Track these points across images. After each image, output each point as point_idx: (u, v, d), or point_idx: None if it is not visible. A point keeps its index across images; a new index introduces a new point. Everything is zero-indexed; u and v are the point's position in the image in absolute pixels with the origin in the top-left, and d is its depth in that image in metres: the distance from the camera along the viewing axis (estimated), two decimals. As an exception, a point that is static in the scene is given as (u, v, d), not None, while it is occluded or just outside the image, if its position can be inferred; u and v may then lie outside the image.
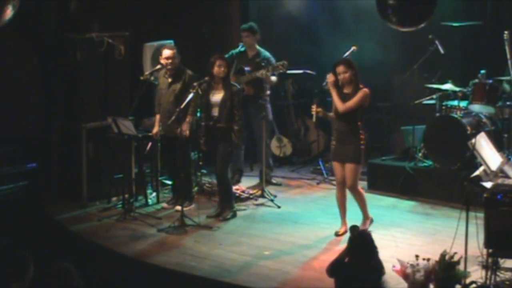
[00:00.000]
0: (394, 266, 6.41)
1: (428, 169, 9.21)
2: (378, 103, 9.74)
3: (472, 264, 6.62)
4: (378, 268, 5.55)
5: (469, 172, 7.45)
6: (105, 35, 9.07)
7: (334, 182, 9.70)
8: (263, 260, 7.31)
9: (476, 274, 6.45)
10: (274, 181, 9.86)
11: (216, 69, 8.33)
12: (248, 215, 8.67)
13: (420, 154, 9.36)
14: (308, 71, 10.68)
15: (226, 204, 8.55)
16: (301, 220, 8.47)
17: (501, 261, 6.39)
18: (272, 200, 9.03)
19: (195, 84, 8.37)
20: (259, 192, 9.21)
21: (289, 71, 10.42)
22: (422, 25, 7.89)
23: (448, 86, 9.13)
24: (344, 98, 7.70)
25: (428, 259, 6.31)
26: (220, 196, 8.64)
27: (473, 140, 6.83)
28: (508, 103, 8.81)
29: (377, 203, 8.22)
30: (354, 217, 7.89)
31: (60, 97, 9.19)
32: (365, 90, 7.67)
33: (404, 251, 7.24)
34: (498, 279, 6.34)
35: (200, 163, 9.34)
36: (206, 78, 8.49)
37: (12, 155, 8.79)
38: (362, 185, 8.39)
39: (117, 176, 8.96)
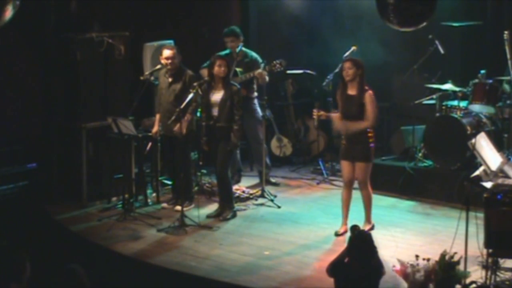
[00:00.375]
0: (394, 266, 6.42)
1: (428, 169, 9.21)
2: (378, 103, 9.71)
3: (472, 264, 6.62)
4: (378, 268, 5.56)
5: (469, 172, 7.45)
6: (105, 35, 9.07)
7: (334, 182, 9.81)
8: (263, 260, 7.31)
9: (476, 274, 6.45)
10: (272, 180, 9.86)
11: (216, 69, 8.34)
12: (248, 215, 8.67)
13: (420, 154, 9.37)
14: (308, 71, 10.70)
15: (226, 204, 8.55)
16: (301, 220, 8.47)
17: (501, 261, 6.40)
18: (272, 200, 9.04)
19: (195, 84, 8.38)
20: (259, 192, 9.21)
21: (289, 71, 10.45)
22: (422, 25, 7.89)
23: (448, 86, 9.14)
24: (349, 99, 7.72)
25: (428, 259, 6.31)
26: (220, 196, 8.64)
27: (473, 140, 6.83)
28: (508, 103, 8.81)
29: (377, 203, 8.21)
30: (355, 219, 7.89)
31: (60, 97, 9.19)
32: (370, 92, 7.72)
33: (404, 251, 7.24)
34: (498, 279, 6.35)
35: (200, 163, 9.34)
36: (206, 78, 8.50)
37: (12, 155, 8.79)
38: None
39: (117, 176, 8.97)
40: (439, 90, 9.23)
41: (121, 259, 7.48)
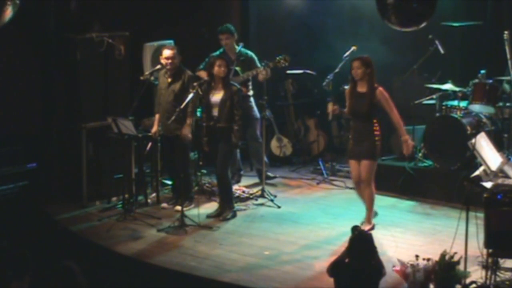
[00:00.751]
0: (394, 266, 6.42)
1: (428, 169, 9.21)
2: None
3: (472, 264, 6.62)
4: (378, 268, 5.56)
5: (469, 172, 7.45)
6: (105, 35, 9.07)
7: (334, 182, 9.81)
8: (263, 260, 7.31)
9: (476, 274, 6.45)
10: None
11: (216, 69, 8.33)
12: (248, 215, 8.67)
13: (420, 154, 9.37)
14: (308, 71, 10.69)
15: (226, 204, 8.55)
16: (301, 220, 8.47)
17: (501, 261, 6.40)
18: (272, 200, 9.03)
19: (195, 84, 8.38)
20: (259, 192, 9.21)
21: (289, 71, 10.44)
22: (422, 25, 7.89)
23: (448, 86, 9.14)
24: (359, 97, 7.74)
25: (428, 259, 6.31)
26: (220, 196, 8.64)
27: (473, 140, 6.84)
28: (508, 103, 8.81)
29: (377, 203, 8.19)
30: (355, 219, 7.90)
31: (60, 97, 9.19)
32: (381, 89, 7.77)
33: (404, 251, 7.24)
34: (498, 279, 6.35)
35: (200, 163, 9.34)
36: (206, 78, 8.50)
37: (12, 155, 8.80)
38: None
39: (117, 176, 8.96)
40: (439, 90, 9.24)
41: (121, 259, 7.48)
